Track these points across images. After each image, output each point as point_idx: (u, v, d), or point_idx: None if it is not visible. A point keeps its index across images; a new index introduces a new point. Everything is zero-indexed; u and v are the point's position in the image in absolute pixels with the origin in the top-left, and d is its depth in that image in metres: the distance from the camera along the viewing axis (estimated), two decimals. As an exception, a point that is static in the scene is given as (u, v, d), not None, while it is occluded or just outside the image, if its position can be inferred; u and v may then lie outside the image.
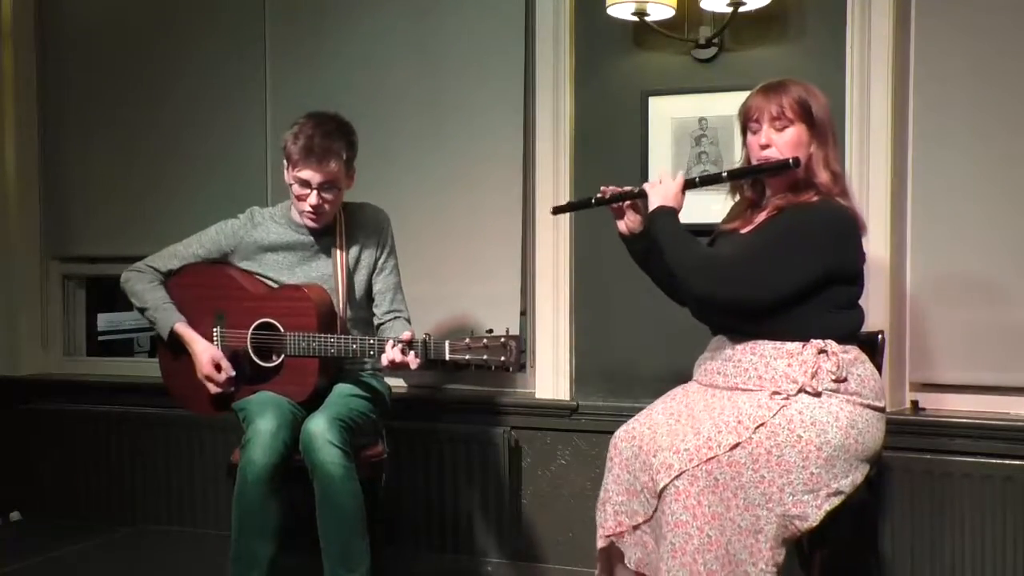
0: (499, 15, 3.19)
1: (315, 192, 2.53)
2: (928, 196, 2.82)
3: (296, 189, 2.55)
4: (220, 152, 3.56)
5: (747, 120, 2.23)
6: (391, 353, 2.39)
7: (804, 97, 2.17)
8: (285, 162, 2.58)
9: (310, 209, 2.56)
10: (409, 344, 2.39)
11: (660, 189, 2.25)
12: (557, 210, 2.57)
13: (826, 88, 2.78)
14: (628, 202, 2.35)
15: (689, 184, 2.27)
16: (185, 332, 2.62)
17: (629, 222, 2.38)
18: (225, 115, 3.55)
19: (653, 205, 2.24)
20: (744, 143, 2.27)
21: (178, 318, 2.63)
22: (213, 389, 2.59)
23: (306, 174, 2.52)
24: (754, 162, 2.22)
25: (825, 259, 2.10)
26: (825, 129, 2.18)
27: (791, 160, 2.14)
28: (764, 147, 2.19)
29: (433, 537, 3.25)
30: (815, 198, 2.16)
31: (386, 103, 3.32)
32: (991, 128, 2.75)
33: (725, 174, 2.27)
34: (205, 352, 2.59)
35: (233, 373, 2.60)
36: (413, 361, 2.39)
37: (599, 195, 2.37)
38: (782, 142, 2.17)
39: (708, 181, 2.28)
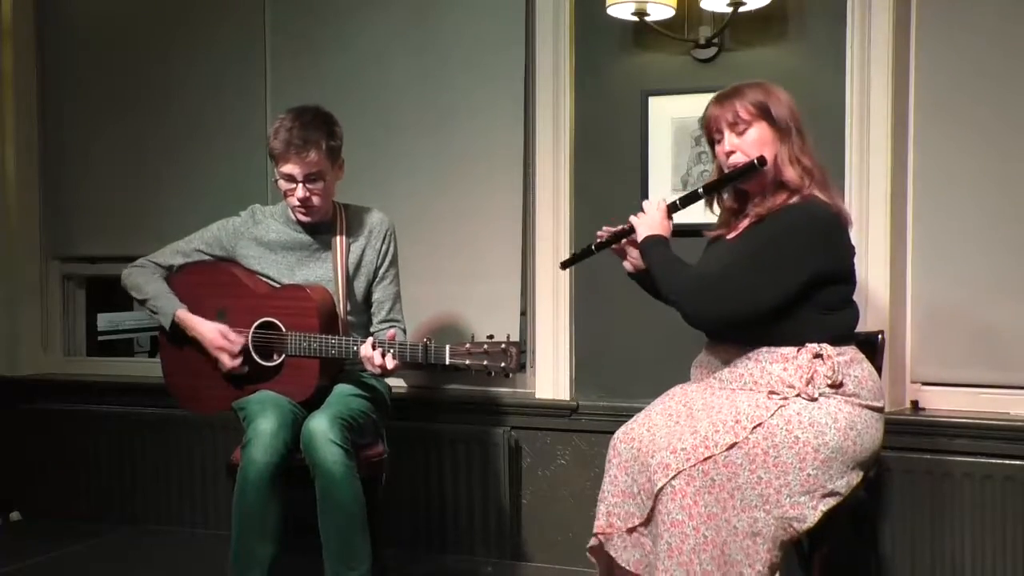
0: (499, 15, 3.20)
1: (301, 185, 2.53)
2: (928, 195, 2.82)
3: (283, 185, 2.55)
4: (220, 152, 3.56)
5: (710, 132, 2.24)
6: (367, 350, 2.40)
7: (759, 98, 2.16)
8: (271, 161, 2.58)
9: (298, 203, 2.56)
10: (389, 343, 2.40)
11: (646, 220, 2.26)
12: (565, 264, 2.59)
13: (826, 88, 2.81)
14: (625, 240, 2.36)
15: (672, 208, 2.28)
16: (187, 318, 2.61)
17: (633, 259, 2.39)
18: (226, 115, 3.55)
19: (640, 236, 2.26)
20: (713, 155, 2.27)
21: (179, 305, 2.62)
22: (226, 362, 2.56)
23: (288, 168, 2.52)
24: (725, 171, 2.22)
25: (811, 263, 2.08)
26: (788, 125, 2.16)
27: (756, 160, 2.14)
28: (729, 154, 2.18)
29: (433, 537, 3.25)
30: (794, 199, 2.14)
31: (386, 104, 3.32)
32: (991, 127, 2.75)
33: (701, 190, 2.27)
34: (211, 329, 2.57)
35: (243, 342, 2.57)
36: (390, 361, 2.40)
37: (597, 240, 2.39)
38: (746, 144, 2.16)
39: (688, 201, 2.29)
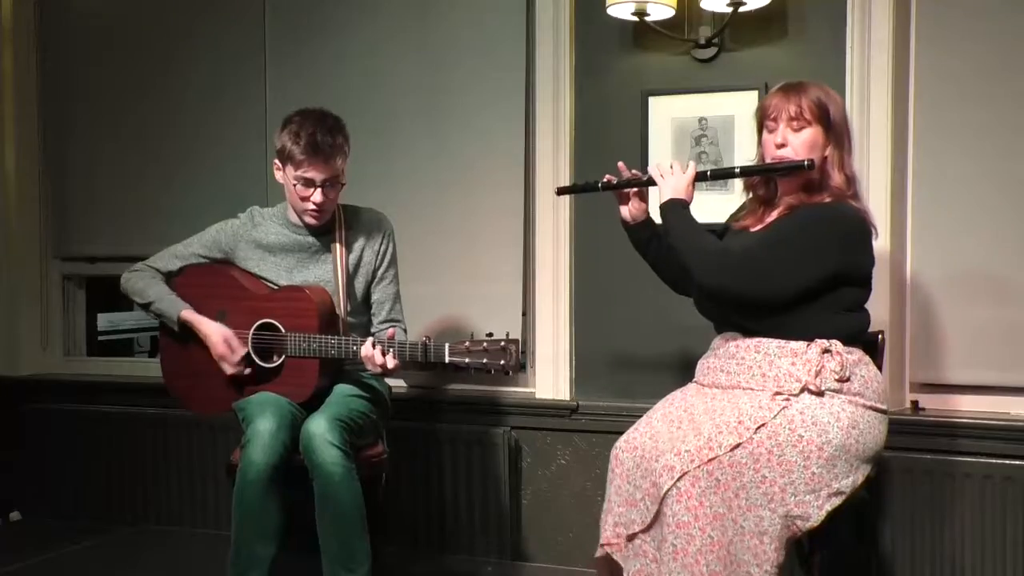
0: (499, 15, 3.19)
1: (319, 190, 2.53)
2: (928, 195, 2.82)
3: (300, 189, 2.54)
4: (220, 152, 3.55)
5: (764, 118, 2.23)
6: (368, 349, 2.40)
7: (823, 99, 2.17)
8: (280, 162, 2.56)
9: (314, 207, 2.55)
10: (389, 342, 2.40)
11: (671, 180, 2.25)
12: (561, 191, 2.61)
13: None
14: (634, 189, 2.36)
15: (700, 176, 2.27)
16: (193, 317, 2.61)
17: (633, 209, 2.39)
18: (225, 115, 3.55)
19: (664, 197, 2.24)
20: (759, 141, 2.27)
21: (184, 306, 2.62)
22: (228, 369, 2.57)
23: (311, 173, 2.51)
24: (768, 160, 2.22)
25: (834, 260, 2.10)
26: (841, 132, 2.19)
27: (806, 162, 2.15)
28: (780, 146, 2.19)
29: (433, 537, 3.25)
30: (828, 199, 2.16)
31: (386, 104, 3.31)
32: (991, 127, 2.75)
33: (738, 170, 2.27)
34: (216, 333, 2.58)
35: (246, 350, 2.57)
36: (390, 361, 2.40)
37: (606, 180, 2.37)
38: (798, 143, 2.17)
39: (720, 176, 2.29)
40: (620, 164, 2.40)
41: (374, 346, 2.41)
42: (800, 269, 2.09)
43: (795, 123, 2.17)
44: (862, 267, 2.17)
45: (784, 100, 2.18)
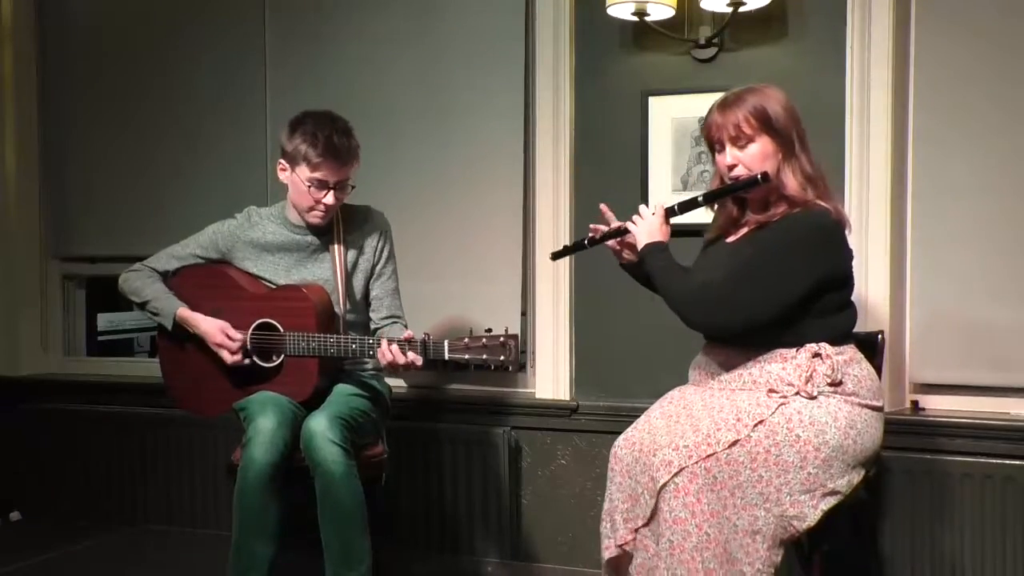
0: (499, 15, 3.19)
1: (331, 192, 2.54)
2: (928, 195, 2.82)
3: (312, 191, 2.54)
4: (220, 152, 3.55)
5: (710, 140, 2.22)
6: (389, 354, 2.39)
7: (760, 107, 2.12)
8: (289, 163, 2.55)
9: (323, 209, 2.56)
10: (409, 343, 2.39)
11: (644, 225, 2.25)
12: (556, 255, 2.59)
13: (826, 88, 2.82)
14: (620, 239, 2.37)
15: (670, 213, 2.27)
16: (189, 315, 2.60)
17: (626, 254, 2.41)
18: (225, 116, 3.55)
19: (640, 243, 2.25)
20: (713, 160, 2.25)
21: (180, 304, 2.62)
22: (228, 358, 2.56)
23: (325, 174, 2.51)
24: (726, 181, 2.21)
25: (812, 273, 2.08)
26: (789, 135, 2.14)
27: (759, 176, 2.12)
28: (731, 167, 2.17)
29: (433, 537, 3.25)
30: (795, 209, 2.13)
31: (386, 104, 3.31)
32: (992, 127, 2.75)
33: (701, 198, 2.26)
34: (212, 324, 2.57)
35: (242, 337, 2.56)
36: (416, 359, 2.39)
37: (590, 236, 2.40)
38: (747, 159, 2.15)
39: (686, 207, 2.26)
40: (602, 206, 2.40)
41: (389, 344, 2.39)
42: (781, 292, 2.07)
43: (739, 141, 2.15)
44: (839, 268, 2.15)
45: (722, 118, 2.16)
